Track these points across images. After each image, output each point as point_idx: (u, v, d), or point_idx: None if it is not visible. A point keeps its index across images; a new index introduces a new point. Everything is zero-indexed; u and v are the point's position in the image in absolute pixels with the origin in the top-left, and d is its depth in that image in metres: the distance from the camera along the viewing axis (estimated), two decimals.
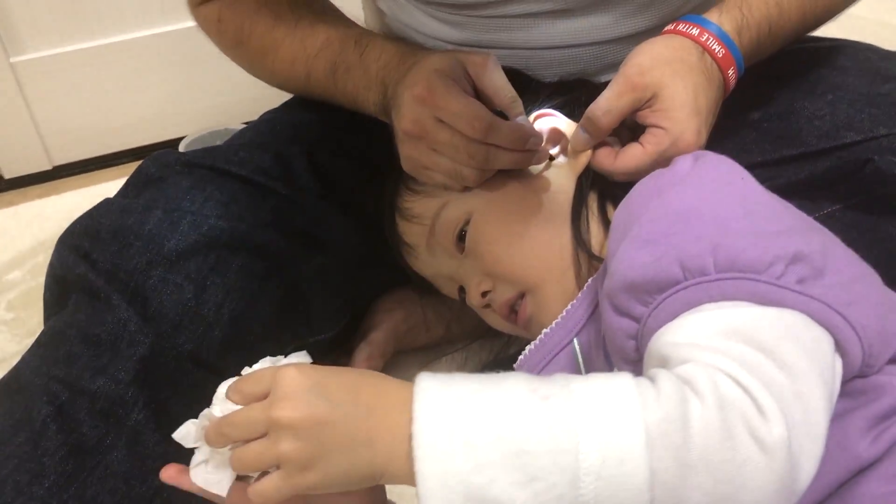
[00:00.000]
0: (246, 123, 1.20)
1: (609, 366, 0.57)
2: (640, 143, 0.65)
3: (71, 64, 1.18)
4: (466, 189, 0.67)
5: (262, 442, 0.47)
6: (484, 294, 0.68)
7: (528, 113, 0.69)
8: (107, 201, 0.74)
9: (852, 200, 0.71)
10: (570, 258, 0.66)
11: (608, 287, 0.52)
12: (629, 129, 0.68)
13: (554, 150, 0.69)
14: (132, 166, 1.22)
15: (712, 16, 0.68)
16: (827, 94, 0.75)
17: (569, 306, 0.64)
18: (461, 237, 0.68)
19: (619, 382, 0.43)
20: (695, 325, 0.47)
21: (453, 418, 0.43)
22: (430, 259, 0.72)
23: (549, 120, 0.69)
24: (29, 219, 1.14)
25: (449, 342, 0.83)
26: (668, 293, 0.49)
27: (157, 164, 0.75)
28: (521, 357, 0.65)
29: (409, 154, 0.66)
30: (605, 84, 0.67)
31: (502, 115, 0.66)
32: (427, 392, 0.44)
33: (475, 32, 0.79)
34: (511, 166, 0.66)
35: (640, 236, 0.52)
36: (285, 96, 0.89)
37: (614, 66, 0.79)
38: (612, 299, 0.52)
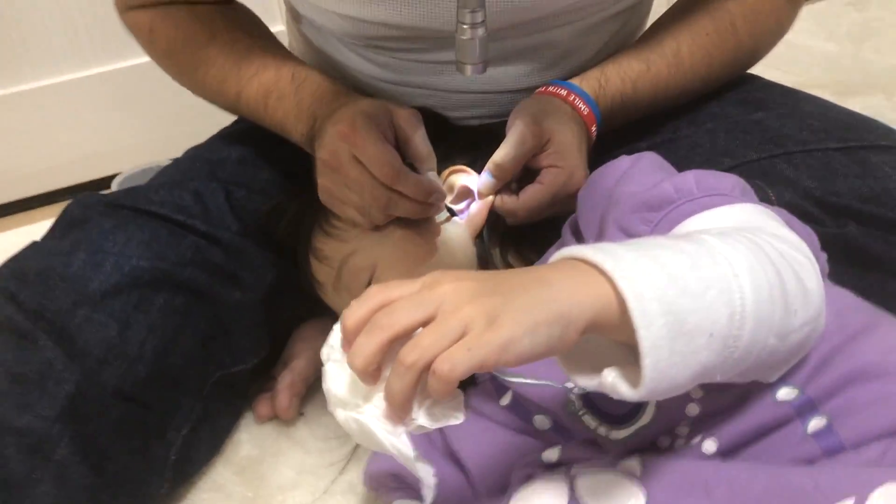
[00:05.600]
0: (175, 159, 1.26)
1: None
2: (539, 182, 0.72)
3: (6, 107, 1.20)
4: (376, 229, 0.72)
5: (431, 326, 0.42)
6: None
7: (446, 166, 0.74)
8: (33, 244, 0.78)
9: None
10: None
11: (617, 215, 0.60)
12: (516, 179, 0.74)
13: (461, 206, 0.75)
14: None
15: (575, 82, 0.77)
16: (707, 122, 0.82)
17: None
18: (368, 286, 0.72)
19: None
20: (703, 221, 0.56)
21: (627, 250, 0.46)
22: (337, 298, 0.77)
23: (462, 177, 0.75)
24: None
25: None
26: (666, 210, 0.57)
27: (80, 207, 0.79)
28: None
29: (325, 185, 0.71)
30: None
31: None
32: (594, 248, 0.46)
33: (395, 72, 0.84)
34: (410, 215, 0.70)
35: (633, 177, 0.62)
36: (212, 132, 0.92)
37: None
38: (621, 222, 0.59)
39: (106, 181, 1.27)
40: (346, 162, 0.67)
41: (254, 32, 0.84)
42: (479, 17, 0.63)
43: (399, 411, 0.44)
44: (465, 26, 0.64)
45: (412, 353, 0.42)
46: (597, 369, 0.46)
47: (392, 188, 0.67)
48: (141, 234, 0.75)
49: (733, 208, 0.57)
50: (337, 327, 0.47)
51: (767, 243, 0.50)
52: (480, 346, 0.42)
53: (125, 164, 1.26)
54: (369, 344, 0.43)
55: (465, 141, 0.79)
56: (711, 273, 0.46)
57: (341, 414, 0.46)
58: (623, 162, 0.66)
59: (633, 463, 0.53)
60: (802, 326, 0.49)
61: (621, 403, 0.54)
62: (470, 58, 0.65)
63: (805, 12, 0.86)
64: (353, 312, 0.45)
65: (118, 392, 0.70)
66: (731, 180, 0.60)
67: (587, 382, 0.47)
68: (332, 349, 0.47)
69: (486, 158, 0.74)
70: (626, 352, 0.45)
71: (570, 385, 0.59)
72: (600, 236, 0.63)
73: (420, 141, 0.70)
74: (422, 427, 0.44)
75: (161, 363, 0.73)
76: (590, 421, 0.58)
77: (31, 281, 0.72)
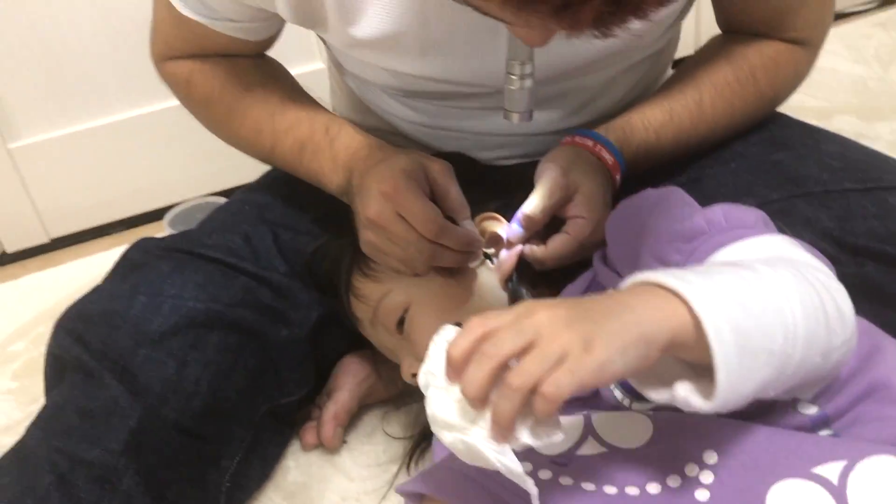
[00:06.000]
0: (219, 192, 1.31)
1: None
2: (566, 232, 0.75)
3: (63, 146, 1.27)
4: (416, 275, 0.75)
5: (534, 352, 0.46)
6: (414, 374, 0.77)
7: (478, 210, 0.77)
8: (98, 288, 0.83)
9: None
10: None
11: (652, 245, 0.65)
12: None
13: (490, 251, 0.78)
14: (123, 235, 1.34)
15: (600, 132, 0.80)
16: (730, 162, 0.84)
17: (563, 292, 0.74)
18: (401, 322, 0.77)
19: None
20: (736, 252, 0.60)
21: (700, 278, 0.51)
22: (374, 333, 0.81)
23: (493, 224, 0.78)
24: (29, 291, 1.23)
25: (408, 394, 0.92)
26: (699, 240, 0.62)
27: (139, 251, 0.85)
28: None
29: (370, 240, 0.74)
30: None
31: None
32: (667, 274, 0.51)
33: (433, 117, 0.88)
34: (452, 265, 0.74)
35: (664, 210, 0.66)
36: (257, 168, 0.95)
37: None
38: (656, 251, 0.64)
39: (156, 213, 1.34)
40: (392, 220, 0.71)
41: (287, 85, 0.87)
42: (528, 69, 0.68)
43: (506, 431, 0.48)
44: (514, 77, 0.68)
45: (519, 378, 0.47)
46: (663, 384, 0.51)
47: (435, 242, 0.71)
48: (196, 276, 0.80)
49: (763, 239, 0.62)
50: (433, 354, 0.51)
51: (805, 269, 0.55)
52: (580, 369, 0.46)
53: (174, 197, 1.33)
54: (480, 373, 0.47)
55: (495, 184, 0.83)
56: (768, 296, 0.51)
57: (448, 436, 0.50)
58: (650, 195, 0.70)
59: (646, 408, 0.58)
60: (841, 345, 0.54)
61: None
62: (517, 107, 0.69)
63: (832, 34, 0.87)
64: (459, 344, 0.49)
65: (177, 426, 0.75)
66: (754, 214, 0.65)
67: (657, 396, 0.52)
68: (433, 376, 0.51)
69: (516, 201, 0.76)
70: (688, 368, 0.50)
71: None
72: (635, 265, 0.67)
73: (455, 193, 0.74)
74: (525, 444, 0.48)
75: (215, 397, 0.78)
76: (617, 392, 0.63)
77: (96, 322, 0.77)
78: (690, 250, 0.63)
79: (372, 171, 0.74)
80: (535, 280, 0.78)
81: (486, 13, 0.50)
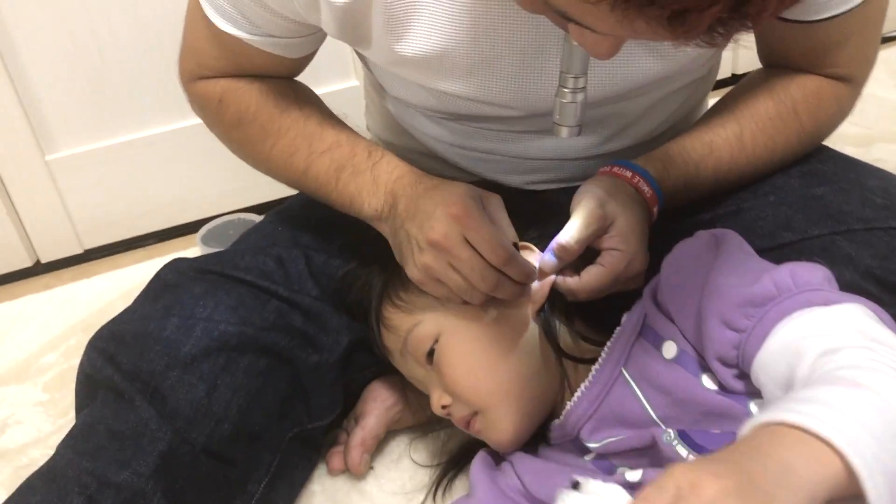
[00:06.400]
0: (252, 207, 1.33)
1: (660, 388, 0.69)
2: (601, 264, 0.74)
3: (99, 159, 1.28)
4: (464, 303, 0.74)
5: None
6: (444, 406, 0.77)
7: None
8: (130, 308, 0.83)
9: None
10: (523, 386, 0.75)
11: (718, 307, 0.65)
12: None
13: None
14: (156, 248, 1.35)
15: (639, 163, 0.78)
16: (770, 195, 0.83)
17: (606, 346, 0.73)
18: (430, 353, 0.76)
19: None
20: (810, 323, 0.61)
21: (841, 418, 0.49)
22: (404, 363, 0.81)
23: (527, 254, 0.76)
24: (62, 302, 1.24)
25: (436, 421, 0.90)
26: (769, 306, 0.63)
27: (173, 272, 0.85)
28: (572, 401, 0.74)
29: (428, 264, 0.71)
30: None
31: None
32: (810, 416, 0.49)
33: (469, 139, 0.87)
34: (510, 297, 0.72)
35: (727, 265, 0.66)
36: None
37: None
38: (724, 315, 0.64)
39: (189, 227, 1.35)
40: (458, 243, 0.69)
41: (323, 110, 0.86)
42: (580, 83, 0.67)
43: None
44: (566, 90, 0.67)
45: None
46: None
47: (500, 270, 0.70)
48: (228, 299, 0.80)
49: (837, 311, 0.61)
50: None
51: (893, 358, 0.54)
52: None
53: (207, 211, 1.34)
54: None
55: (528, 211, 0.81)
56: (894, 423, 0.50)
57: None
58: (707, 238, 0.70)
59: None
60: None
61: (714, 439, 0.63)
62: (568, 121, 0.69)
63: None
64: None
65: (205, 449, 0.75)
66: (821, 273, 0.65)
67: None
68: None
69: (550, 230, 0.75)
70: None
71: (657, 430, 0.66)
72: (696, 321, 0.67)
73: (508, 225, 0.73)
74: None
75: (244, 421, 0.77)
76: (682, 450, 0.64)
77: (128, 343, 0.78)
78: (760, 315, 0.63)
79: (432, 194, 0.72)
80: (567, 311, 0.78)
81: (570, 18, 0.48)
